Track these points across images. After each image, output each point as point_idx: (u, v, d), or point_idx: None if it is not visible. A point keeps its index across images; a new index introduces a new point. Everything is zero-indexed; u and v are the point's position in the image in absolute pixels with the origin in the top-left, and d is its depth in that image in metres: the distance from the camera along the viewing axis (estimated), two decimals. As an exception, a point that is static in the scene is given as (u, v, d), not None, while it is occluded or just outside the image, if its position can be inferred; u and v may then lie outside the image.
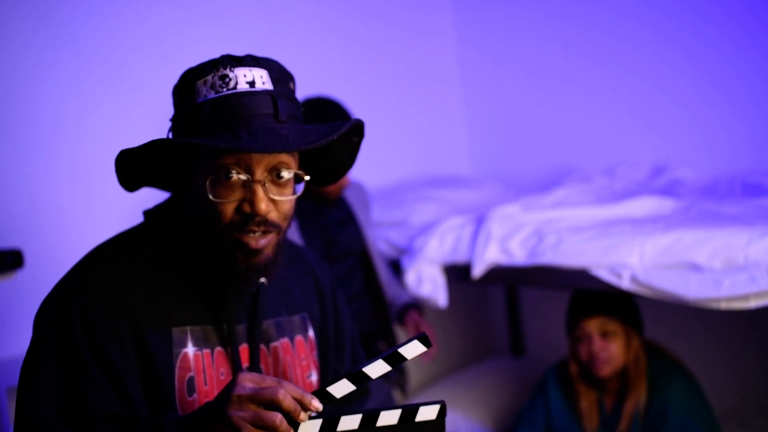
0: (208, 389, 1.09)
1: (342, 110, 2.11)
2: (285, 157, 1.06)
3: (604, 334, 2.16)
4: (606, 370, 2.16)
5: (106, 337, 1.03)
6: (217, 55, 1.09)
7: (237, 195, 1.04)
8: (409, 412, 0.96)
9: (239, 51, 2.52)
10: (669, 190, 2.54)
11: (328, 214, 2.20)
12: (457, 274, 2.35)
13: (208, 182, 1.03)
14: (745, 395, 2.74)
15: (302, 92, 2.22)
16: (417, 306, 2.35)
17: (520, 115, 3.35)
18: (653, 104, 2.93)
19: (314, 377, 1.24)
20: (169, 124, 1.12)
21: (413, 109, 3.26)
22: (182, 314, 1.10)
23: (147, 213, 1.18)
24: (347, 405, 1.11)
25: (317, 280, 1.32)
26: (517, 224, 2.25)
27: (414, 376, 3.04)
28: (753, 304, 1.79)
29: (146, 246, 1.13)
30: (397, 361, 0.96)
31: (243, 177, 1.03)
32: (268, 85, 1.07)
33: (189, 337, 1.09)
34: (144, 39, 2.25)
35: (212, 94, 1.04)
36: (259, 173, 1.04)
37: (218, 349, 1.11)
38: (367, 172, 2.63)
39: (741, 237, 1.83)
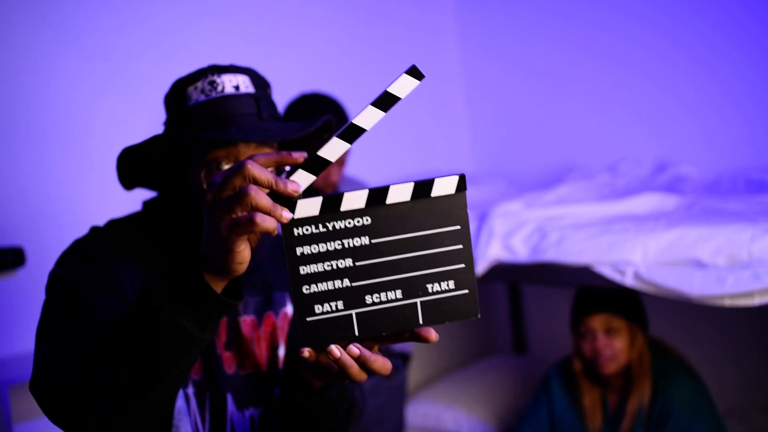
0: None
1: (336, 105, 2.12)
2: (268, 151, 1.15)
3: (609, 331, 2.16)
4: (610, 367, 2.15)
5: (123, 273, 1.12)
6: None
7: None
8: (424, 185, 0.84)
9: (240, 48, 2.52)
10: (672, 187, 2.53)
11: None
12: (459, 271, 2.34)
13: (202, 174, 1.14)
14: (749, 393, 2.73)
15: (305, 89, 2.22)
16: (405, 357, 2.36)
17: (522, 112, 3.34)
18: (655, 101, 2.92)
19: (282, 351, 1.27)
20: (163, 128, 1.22)
21: (416, 106, 3.25)
22: None
23: (146, 203, 1.27)
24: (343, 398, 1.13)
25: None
26: (519, 221, 2.24)
27: (416, 374, 3.04)
28: (757, 301, 1.79)
29: (136, 230, 1.22)
30: (388, 102, 0.86)
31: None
32: (251, 89, 1.19)
33: None
34: (145, 36, 2.25)
35: (202, 98, 1.17)
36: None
37: None
38: (369, 169, 2.62)
39: (744, 234, 1.83)
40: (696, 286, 1.87)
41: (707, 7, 2.76)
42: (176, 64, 2.31)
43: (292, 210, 0.82)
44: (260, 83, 1.22)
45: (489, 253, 2.22)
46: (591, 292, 2.22)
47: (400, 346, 2.31)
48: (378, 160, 2.92)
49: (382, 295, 0.85)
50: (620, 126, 3.04)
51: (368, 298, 0.85)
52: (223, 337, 1.21)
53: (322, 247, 0.84)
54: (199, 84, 1.17)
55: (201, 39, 2.39)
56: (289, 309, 1.31)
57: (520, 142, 3.37)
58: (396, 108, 3.12)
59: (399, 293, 0.85)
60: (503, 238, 2.22)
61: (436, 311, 0.85)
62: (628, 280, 1.98)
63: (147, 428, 1.04)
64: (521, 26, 3.28)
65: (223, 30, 2.47)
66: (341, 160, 2.12)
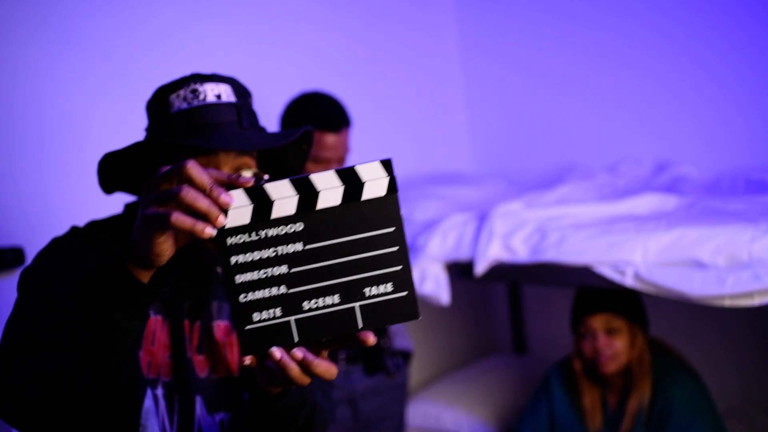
0: (156, 349, 1.19)
1: (337, 104, 2.12)
2: (247, 159, 1.20)
3: (609, 331, 2.16)
4: (610, 366, 2.15)
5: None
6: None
7: None
8: (353, 189, 0.83)
9: (240, 48, 2.51)
10: (672, 187, 2.53)
11: None
12: (459, 271, 2.35)
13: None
14: (749, 393, 2.74)
15: (305, 88, 2.22)
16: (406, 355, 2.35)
17: (522, 113, 3.34)
18: (655, 101, 2.92)
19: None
20: (144, 134, 1.24)
21: (415, 106, 3.26)
22: None
23: (128, 206, 1.30)
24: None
25: None
26: (519, 221, 2.24)
27: (416, 374, 3.03)
28: (757, 301, 1.79)
29: (115, 231, 1.25)
30: (350, 177, 0.84)
31: None
32: (232, 98, 1.21)
33: None
34: (146, 36, 2.25)
35: (185, 105, 1.18)
36: (225, 171, 1.14)
37: (167, 320, 1.21)
38: (369, 169, 2.62)
39: (744, 234, 1.83)
40: (696, 286, 1.87)
41: (707, 8, 2.76)
42: (176, 64, 2.30)
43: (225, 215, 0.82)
44: (241, 92, 1.24)
45: (489, 253, 2.22)
46: (591, 292, 2.22)
47: (401, 344, 2.31)
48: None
49: (320, 300, 0.85)
50: (620, 126, 3.04)
51: (306, 304, 0.85)
52: (195, 341, 1.22)
53: (256, 255, 0.84)
54: (182, 92, 1.19)
55: (201, 39, 2.39)
56: None
57: (520, 142, 3.37)
58: (396, 107, 3.11)
59: (337, 298, 0.85)
60: (503, 238, 2.22)
61: (375, 315, 0.85)
62: (628, 281, 1.98)
63: (107, 427, 1.04)
64: (521, 26, 3.28)
65: (223, 30, 2.46)
66: (341, 160, 2.13)
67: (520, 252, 2.19)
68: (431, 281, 2.33)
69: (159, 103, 1.22)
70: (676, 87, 2.86)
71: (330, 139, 2.06)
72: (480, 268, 2.24)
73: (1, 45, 1.96)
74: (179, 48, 2.32)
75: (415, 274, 2.36)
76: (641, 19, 2.92)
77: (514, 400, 2.80)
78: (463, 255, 2.31)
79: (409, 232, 2.53)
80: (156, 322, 1.20)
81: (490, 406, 2.78)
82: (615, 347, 2.15)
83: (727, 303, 1.83)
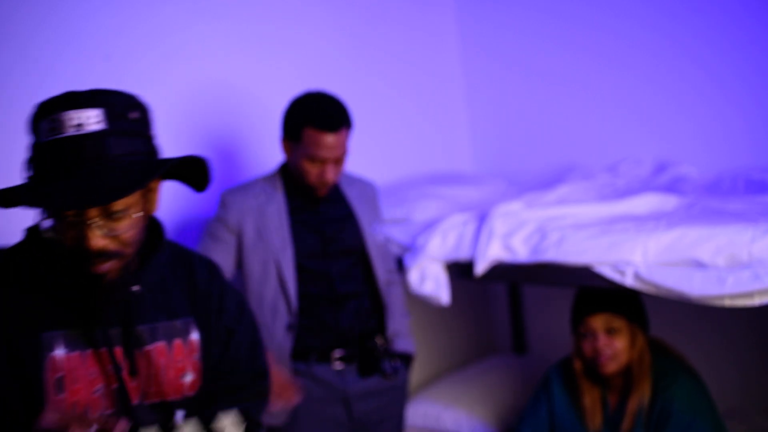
0: (79, 387, 1.18)
1: (339, 105, 2.11)
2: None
3: (609, 331, 2.16)
4: (610, 366, 2.15)
5: None
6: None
7: (74, 232, 1.12)
8: None
9: (240, 48, 2.49)
10: (672, 187, 2.53)
11: (324, 211, 2.20)
12: (459, 271, 2.35)
13: (48, 222, 1.14)
14: (749, 393, 2.73)
15: (305, 89, 2.22)
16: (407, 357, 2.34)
17: (522, 113, 3.34)
18: (656, 101, 2.92)
19: (189, 378, 1.29)
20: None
21: (415, 106, 3.26)
22: (52, 319, 1.18)
23: (29, 229, 1.26)
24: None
25: (195, 283, 1.36)
26: (519, 221, 2.24)
27: (416, 374, 3.03)
28: (757, 301, 1.79)
29: (19, 260, 1.21)
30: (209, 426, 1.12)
31: (76, 218, 1.11)
32: (101, 125, 1.10)
33: (60, 340, 1.18)
34: (146, 36, 2.25)
35: (44, 137, 1.10)
36: (92, 213, 1.11)
37: (88, 351, 1.20)
38: (369, 169, 2.62)
39: (745, 234, 1.83)
40: (696, 286, 1.87)
41: (707, 8, 2.76)
42: (176, 64, 2.32)
43: None
44: (119, 112, 1.11)
45: (489, 253, 2.22)
46: (592, 292, 2.22)
47: (402, 346, 2.31)
48: (378, 160, 2.92)
49: None
50: (620, 126, 3.04)
51: None
52: (128, 367, 1.23)
53: None
54: (45, 122, 1.10)
55: (201, 39, 2.39)
56: (194, 336, 1.32)
57: (520, 142, 3.37)
58: (396, 107, 3.10)
59: None
60: (503, 238, 2.22)
61: None
62: (628, 281, 1.98)
63: None
64: (521, 26, 3.28)
65: (223, 30, 2.46)
66: (339, 160, 2.12)
67: (520, 252, 2.19)
68: (431, 281, 2.33)
69: (32, 126, 1.14)
70: (676, 87, 2.86)
71: (328, 138, 2.06)
72: (480, 268, 2.24)
73: (1, 45, 1.96)
74: (179, 48, 2.32)
75: (415, 274, 2.36)
76: (641, 19, 2.92)
77: (514, 400, 2.80)
78: (463, 255, 2.31)
79: (409, 232, 2.53)
80: (72, 360, 1.18)
81: (490, 406, 2.78)
82: (615, 347, 2.15)
83: (727, 303, 1.83)
